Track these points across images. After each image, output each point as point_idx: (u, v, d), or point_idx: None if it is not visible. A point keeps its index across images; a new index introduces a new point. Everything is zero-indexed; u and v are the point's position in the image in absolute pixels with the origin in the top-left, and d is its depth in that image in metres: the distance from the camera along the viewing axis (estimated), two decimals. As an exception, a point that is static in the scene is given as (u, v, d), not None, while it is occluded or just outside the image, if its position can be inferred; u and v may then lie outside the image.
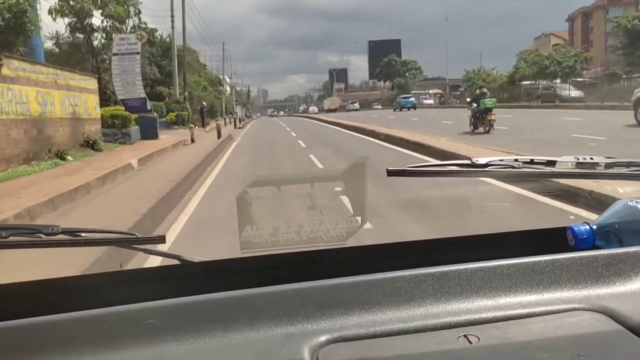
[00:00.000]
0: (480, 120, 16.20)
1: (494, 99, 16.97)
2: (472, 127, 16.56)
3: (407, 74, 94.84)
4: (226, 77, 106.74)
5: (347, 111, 64.97)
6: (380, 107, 70.37)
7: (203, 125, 31.12)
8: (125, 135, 18.44)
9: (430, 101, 69.87)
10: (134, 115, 19.62)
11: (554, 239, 1.06)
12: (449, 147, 11.34)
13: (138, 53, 21.73)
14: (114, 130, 18.37)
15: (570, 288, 0.83)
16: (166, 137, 21.67)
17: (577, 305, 0.79)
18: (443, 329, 0.76)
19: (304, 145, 17.40)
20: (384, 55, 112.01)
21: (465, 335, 0.74)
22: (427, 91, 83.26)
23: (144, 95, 21.03)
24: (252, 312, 0.79)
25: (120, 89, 21.67)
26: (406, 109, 47.28)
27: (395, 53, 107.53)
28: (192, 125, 19.87)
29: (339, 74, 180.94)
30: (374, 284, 0.83)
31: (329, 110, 79.58)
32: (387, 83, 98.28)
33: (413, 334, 0.75)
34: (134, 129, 19.32)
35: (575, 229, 1.02)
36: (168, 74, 32.13)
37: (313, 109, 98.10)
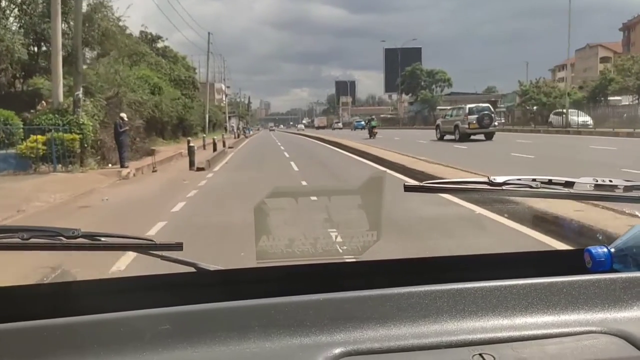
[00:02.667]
0: (370, 132, 31.66)
1: (376, 122, 37.15)
2: (368, 136, 30.64)
3: (433, 86, 78.13)
4: (222, 86, 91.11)
5: (332, 129, 76.19)
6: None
7: (122, 163, 14.16)
8: None
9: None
10: None
11: (570, 261, 1.03)
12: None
13: None
14: None
15: (588, 310, 0.81)
16: None
17: (594, 328, 0.77)
18: (458, 347, 0.74)
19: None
20: (402, 65, 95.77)
21: (480, 354, 0.72)
22: (460, 106, 68.44)
23: None
24: (267, 321, 0.78)
25: None
26: (359, 129, 58.04)
27: (417, 61, 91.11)
28: None
29: (346, 87, 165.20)
30: (389, 298, 0.82)
31: (318, 127, 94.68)
32: (409, 96, 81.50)
33: (427, 351, 0.73)
34: None
35: (593, 251, 0.99)
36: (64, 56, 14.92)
37: (300, 126, 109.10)
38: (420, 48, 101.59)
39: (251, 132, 77.52)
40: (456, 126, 24.11)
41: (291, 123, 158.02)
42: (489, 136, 23.46)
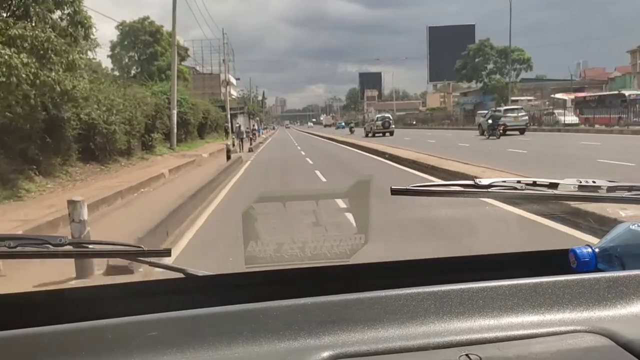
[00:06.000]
0: (350, 130, 51.35)
1: (354, 124, 62.74)
2: (349, 132, 47.01)
3: (506, 67, 56.37)
4: (231, 77, 71.12)
5: (336, 128, 79.21)
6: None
7: None
8: None
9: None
10: None
11: (555, 261, 1.03)
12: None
13: None
14: None
15: (572, 310, 0.81)
16: None
17: (579, 327, 0.77)
18: (445, 348, 0.74)
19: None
20: (452, 49, 74.10)
21: (467, 355, 0.72)
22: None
23: None
24: (256, 326, 0.77)
25: None
26: (342, 128, 72.68)
27: (471, 43, 69.35)
28: None
29: (370, 81, 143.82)
30: (377, 301, 0.81)
31: (326, 125, 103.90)
32: (475, 83, 59.84)
33: (415, 352, 0.73)
34: None
35: (578, 251, 0.99)
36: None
37: (310, 124, 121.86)
38: (474, 25, 79.56)
39: (262, 133, 56.82)
40: (371, 127, 39.08)
41: (313, 120, 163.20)
42: (391, 133, 36.48)
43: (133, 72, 50.89)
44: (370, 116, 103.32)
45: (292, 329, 0.76)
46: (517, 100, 57.24)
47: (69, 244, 1.01)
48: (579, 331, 0.75)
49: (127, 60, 49.81)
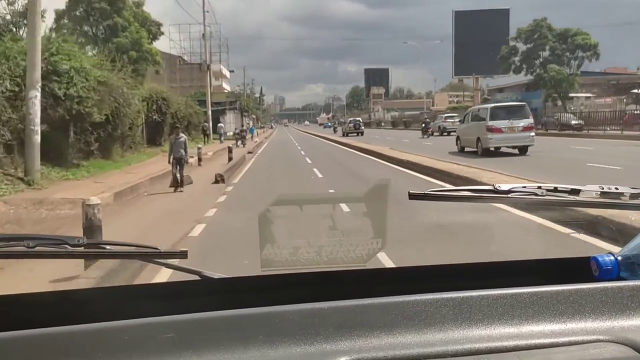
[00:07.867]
0: (334, 130, 64.92)
1: (337, 124, 75.86)
2: (333, 132, 58.51)
3: (566, 56, 43.77)
4: (223, 68, 58.64)
5: (323, 127, 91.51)
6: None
7: None
8: None
9: None
10: None
11: (577, 269, 1.01)
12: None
13: None
14: None
15: (595, 319, 0.78)
16: None
17: (601, 337, 0.74)
18: (463, 355, 0.71)
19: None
20: (482, 38, 61.71)
21: None
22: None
23: None
24: (272, 330, 0.76)
25: None
26: (328, 128, 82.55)
27: (505, 31, 56.92)
28: None
29: (377, 77, 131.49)
30: (394, 306, 0.80)
31: (321, 124, 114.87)
32: (525, 75, 47.12)
33: (433, 359, 0.71)
34: None
35: (600, 259, 0.96)
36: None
37: (306, 123, 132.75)
38: (508, 9, 66.96)
39: (255, 134, 44.31)
40: (344, 129, 46.93)
41: (317, 119, 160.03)
42: (361, 133, 42.67)
43: (90, 52, 38.50)
44: (378, 115, 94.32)
45: (309, 333, 0.74)
46: (572, 98, 45.09)
47: (87, 244, 1.00)
48: (602, 341, 0.73)
49: (77, 35, 37.24)
